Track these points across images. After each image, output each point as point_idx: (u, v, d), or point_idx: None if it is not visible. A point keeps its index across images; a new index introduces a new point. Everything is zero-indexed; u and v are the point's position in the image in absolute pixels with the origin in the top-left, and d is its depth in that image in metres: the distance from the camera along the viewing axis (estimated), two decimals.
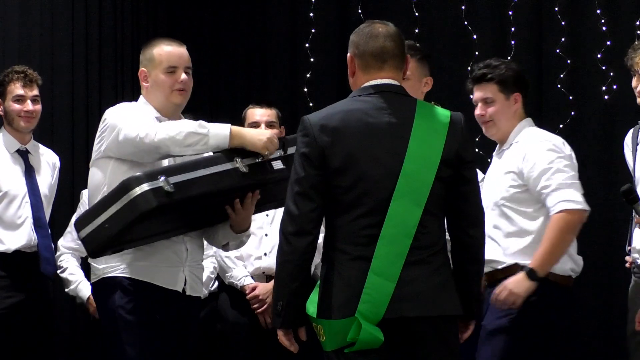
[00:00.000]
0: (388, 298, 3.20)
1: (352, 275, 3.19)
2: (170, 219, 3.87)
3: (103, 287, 4.12)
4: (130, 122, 3.93)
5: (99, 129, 4.09)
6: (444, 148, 3.29)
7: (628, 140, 4.59)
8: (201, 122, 3.88)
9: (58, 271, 5.39)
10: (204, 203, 3.86)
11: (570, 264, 4.17)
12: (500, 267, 4.09)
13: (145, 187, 3.50)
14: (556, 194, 3.94)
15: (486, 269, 4.05)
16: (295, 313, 3.27)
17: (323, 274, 3.34)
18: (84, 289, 5.42)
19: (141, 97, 4.21)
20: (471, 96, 4.46)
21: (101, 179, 4.00)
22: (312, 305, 3.32)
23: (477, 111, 4.27)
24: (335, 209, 3.26)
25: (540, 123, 4.94)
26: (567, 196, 3.94)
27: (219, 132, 3.81)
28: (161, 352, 4.14)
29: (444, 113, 3.43)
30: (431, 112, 3.47)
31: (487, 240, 3.86)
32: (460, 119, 3.40)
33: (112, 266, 4.13)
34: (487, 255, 3.88)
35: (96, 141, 4.11)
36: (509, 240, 4.09)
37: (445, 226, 3.67)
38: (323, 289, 3.31)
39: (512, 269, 4.02)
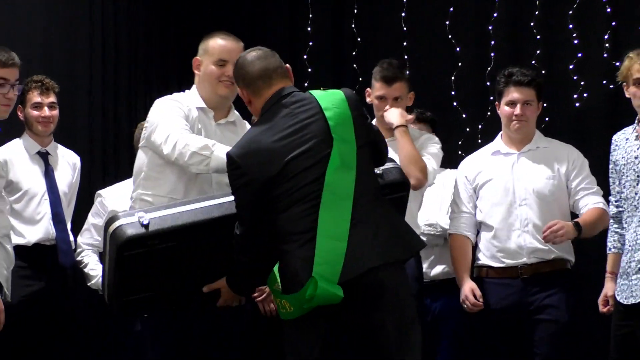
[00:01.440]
0: (342, 257, 3.40)
1: (305, 253, 3.42)
2: (167, 268, 3.92)
3: None
4: (163, 125, 4.11)
5: (147, 116, 4.33)
6: (352, 117, 3.58)
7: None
8: (214, 143, 3.97)
9: (80, 266, 5.53)
10: (193, 245, 3.88)
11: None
12: (549, 258, 4.49)
13: (121, 221, 3.62)
14: (595, 195, 4.55)
15: (531, 260, 4.46)
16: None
17: (281, 261, 3.58)
18: None
19: (194, 85, 4.37)
20: (492, 97, 4.89)
21: (141, 165, 4.20)
22: (275, 285, 3.62)
23: (517, 111, 4.54)
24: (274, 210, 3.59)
25: None
26: (602, 199, 4.57)
27: (221, 155, 3.87)
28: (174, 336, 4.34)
29: (335, 91, 3.73)
30: (326, 93, 3.74)
31: (530, 229, 4.48)
32: (351, 92, 3.70)
33: None
34: (533, 244, 4.47)
35: (144, 128, 4.36)
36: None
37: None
38: (282, 272, 3.55)
39: (559, 262, 4.54)
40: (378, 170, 3.91)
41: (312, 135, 3.62)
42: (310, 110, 3.65)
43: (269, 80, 3.66)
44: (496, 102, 4.85)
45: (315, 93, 3.73)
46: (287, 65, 3.83)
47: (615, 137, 4.65)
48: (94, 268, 5.49)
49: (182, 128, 4.09)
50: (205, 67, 4.23)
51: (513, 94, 4.54)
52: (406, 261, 3.80)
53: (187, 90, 4.44)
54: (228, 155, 3.61)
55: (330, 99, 3.67)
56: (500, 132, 4.82)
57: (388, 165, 4.13)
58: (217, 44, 4.29)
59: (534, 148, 4.67)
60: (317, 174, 3.57)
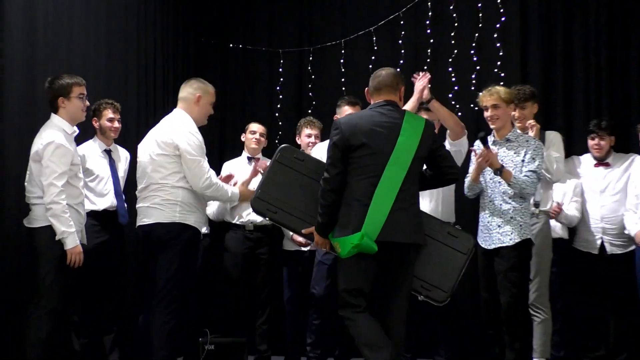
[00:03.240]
0: (381, 225, 4.40)
1: (361, 213, 4.41)
2: (295, 193, 4.85)
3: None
4: (202, 165, 5.27)
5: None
6: (420, 139, 4.53)
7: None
8: (233, 192, 5.38)
9: None
10: (315, 185, 4.75)
11: None
12: None
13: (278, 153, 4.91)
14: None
15: None
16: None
17: (342, 214, 4.53)
18: None
19: (186, 112, 5.38)
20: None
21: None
22: (333, 232, 4.58)
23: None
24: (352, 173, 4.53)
25: None
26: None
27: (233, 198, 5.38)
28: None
29: (421, 119, 4.75)
30: (413, 118, 4.72)
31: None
32: (432, 123, 4.78)
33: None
34: None
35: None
36: None
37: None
38: (341, 221, 4.53)
39: None
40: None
41: (386, 136, 4.58)
42: (396, 120, 4.62)
43: (378, 91, 4.74)
44: None
45: (408, 113, 4.82)
46: (402, 87, 4.82)
47: (476, 142, 5.69)
48: None
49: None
50: (204, 103, 5.44)
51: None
52: (420, 247, 4.70)
53: (177, 114, 5.44)
54: (338, 120, 4.82)
55: (413, 119, 4.70)
56: None
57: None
58: (212, 90, 5.58)
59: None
60: (380, 163, 4.53)
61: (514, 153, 5.46)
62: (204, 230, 6.35)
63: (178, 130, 5.29)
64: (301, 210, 4.73)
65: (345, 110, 6.19)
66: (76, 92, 5.31)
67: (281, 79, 8.38)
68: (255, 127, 6.96)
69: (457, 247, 4.75)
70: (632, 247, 6.32)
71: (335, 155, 4.52)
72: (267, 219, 4.91)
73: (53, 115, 5.28)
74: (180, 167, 5.29)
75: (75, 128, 5.44)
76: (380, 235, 4.37)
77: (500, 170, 5.27)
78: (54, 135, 5.11)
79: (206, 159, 5.42)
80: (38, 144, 5.11)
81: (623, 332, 6.52)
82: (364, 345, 4.44)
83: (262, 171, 5.74)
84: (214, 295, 7.31)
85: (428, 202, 5.97)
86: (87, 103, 5.51)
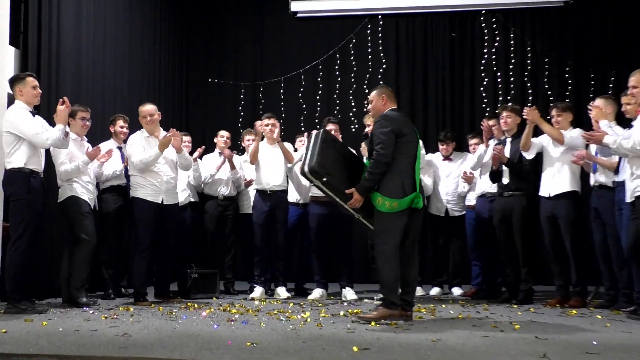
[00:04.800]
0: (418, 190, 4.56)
1: (411, 179, 4.55)
2: (339, 166, 4.76)
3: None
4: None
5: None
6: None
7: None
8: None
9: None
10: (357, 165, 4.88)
11: None
12: None
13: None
14: None
15: None
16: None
17: (391, 181, 4.52)
18: None
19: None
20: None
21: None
22: (379, 192, 4.53)
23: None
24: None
25: None
26: None
27: None
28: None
29: None
30: None
31: None
32: None
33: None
34: None
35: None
36: None
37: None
38: (390, 185, 4.52)
39: None
40: None
41: (413, 129, 4.80)
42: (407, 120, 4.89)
43: (392, 100, 4.88)
44: None
45: None
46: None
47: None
48: None
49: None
50: (141, 118, 5.87)
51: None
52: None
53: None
54: (385, 115, 4.74)
55: None
56: None
57: None
58: (147, 108, 5.91)
59: None
60: (414, 147, 4.70)
61: None
62: (191, 199, 6.99)
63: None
64: (341, 177, 4.67)
65: (329, 126, 6.56)
66: (79, 115, 5.77)
67: (242, 102, 9.48)
68: (223, 133, 7.37)
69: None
70: (464, 212, 7.00)
71: (391, 140, 4.60)
72: (318, 182, 4.62)
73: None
74: None
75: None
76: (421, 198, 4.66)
77: None
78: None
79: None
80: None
81: (459, 263, 7.20)
82: (390, 282, 4.49)
83: (227, 159, 6.49)
84: (197, 241, 7.43)
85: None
86: (88, 124, 5.86)
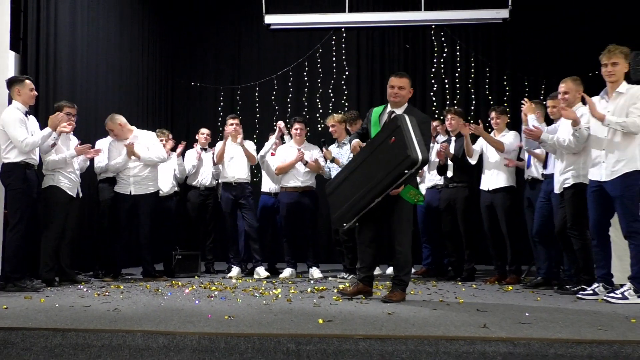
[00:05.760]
0: None
1: None
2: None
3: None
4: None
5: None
6: None
7: None
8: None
9: None
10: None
11: None
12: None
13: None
14: None
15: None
16: None
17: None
18: None
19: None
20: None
21: None
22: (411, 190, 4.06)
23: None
24: None
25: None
26: None
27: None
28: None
29: None
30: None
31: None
32: None
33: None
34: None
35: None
36: None
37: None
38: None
39: None
40: None
41: None
42: None
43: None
44: None
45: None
46: None
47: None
48: None
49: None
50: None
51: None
52: None
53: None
54: (426, 116, 4.43)
55: None
56: None
57: None
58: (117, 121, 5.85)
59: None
60: None
61: None
62: (176, 189, 6.89)
63: None
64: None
65: (295, 125, 6.50)
66: (65, 111, 5.53)
67: (221, 103, 9.44)
68: (204, 130, 7.40)
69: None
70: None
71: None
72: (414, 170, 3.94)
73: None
74: None
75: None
76: None
77: None
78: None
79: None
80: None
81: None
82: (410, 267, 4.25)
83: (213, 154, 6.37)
84: (181, 227, 7.50)
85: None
86: (73, 119, 5.61)
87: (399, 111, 4.26)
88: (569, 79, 5.03)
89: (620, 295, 4.18)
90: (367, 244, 4.34)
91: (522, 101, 5.48)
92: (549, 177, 5.23)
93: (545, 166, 5.36)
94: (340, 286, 4.75)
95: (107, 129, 6.08)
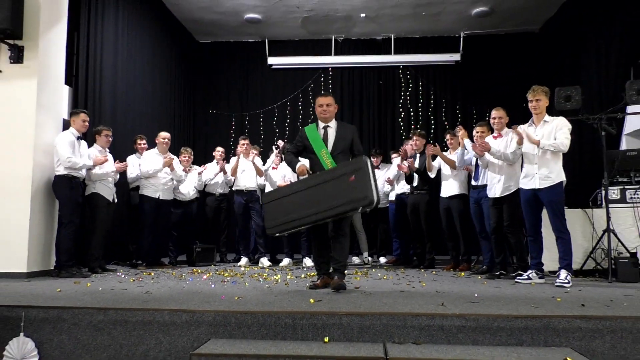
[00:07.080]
0: None
1: None
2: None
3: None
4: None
5: None
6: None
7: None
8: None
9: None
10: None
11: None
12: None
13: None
14: None
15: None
16: None
17: None
18: None
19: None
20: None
21: None
22: None
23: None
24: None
25: None
26: None
27: None
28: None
29: None
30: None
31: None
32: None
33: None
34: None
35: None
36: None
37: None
38: None
39: None
40: None
41: None
42: None
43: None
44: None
45: None
46: None
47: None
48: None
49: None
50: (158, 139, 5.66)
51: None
52: None
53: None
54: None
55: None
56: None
57: None
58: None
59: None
60: None
61: None
62: (197, 195, 6.57)
63: None
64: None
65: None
66: (104, 133, 5.43)
67: (233, 127, 9.24)
68: (219, 148, 6.91)
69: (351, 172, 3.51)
70: (387, 205, 6.63)
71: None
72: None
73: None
74: None
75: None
76: None
77: None
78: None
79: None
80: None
81: (384, 240, 7.02)
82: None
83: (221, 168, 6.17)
84: (200, 225, 7.23)
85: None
86: (110, 139, 5.46)
87: (331, 124, 3.89)
88: (500, 108, 5.02)
89: (566, 280, 4.08)
90: (324, 245, 3.95)
91: (457, 127, 5.37)
92: (479, 188, 5.08)
93: (475, 178, 5.19)
94: (310, 283, 4.16)
95: (157, 140, 5.89)
